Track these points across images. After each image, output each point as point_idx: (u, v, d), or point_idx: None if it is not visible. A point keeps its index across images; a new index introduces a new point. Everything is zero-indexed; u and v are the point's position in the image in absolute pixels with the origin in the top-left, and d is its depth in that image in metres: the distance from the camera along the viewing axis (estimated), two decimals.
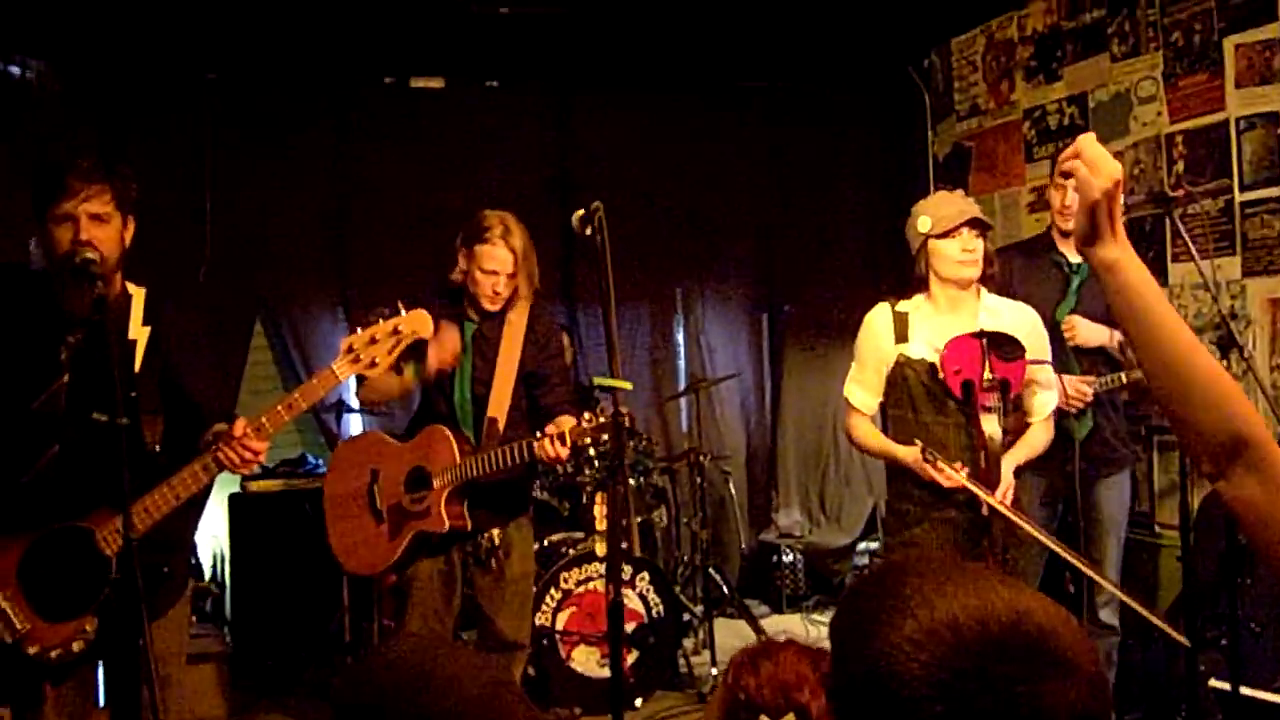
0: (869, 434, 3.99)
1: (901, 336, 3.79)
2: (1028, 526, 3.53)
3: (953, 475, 3.55)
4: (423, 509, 4.17)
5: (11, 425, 3.13)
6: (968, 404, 3.63)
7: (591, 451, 4.12)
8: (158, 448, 3.19)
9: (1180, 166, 5.34)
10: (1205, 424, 1.55)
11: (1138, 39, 5.58)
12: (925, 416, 3.71)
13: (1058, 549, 3.57)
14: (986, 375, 3.58)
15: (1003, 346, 3.63)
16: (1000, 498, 3.56)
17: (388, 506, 4.25)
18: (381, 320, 3.30)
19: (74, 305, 3.10)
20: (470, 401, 4.31)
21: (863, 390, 3.98)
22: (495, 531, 4.30)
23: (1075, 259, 4.57)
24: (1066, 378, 4.30)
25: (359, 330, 3.30)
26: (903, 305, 3.84)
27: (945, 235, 3.75)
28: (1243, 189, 5.04)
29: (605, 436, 3.88)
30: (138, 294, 3.29)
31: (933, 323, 3.78)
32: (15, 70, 6.16)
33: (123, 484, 2.82)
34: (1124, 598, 3.89)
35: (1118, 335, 4.37)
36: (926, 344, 3.74)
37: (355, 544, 4.34)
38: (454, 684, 1.42)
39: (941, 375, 3.64)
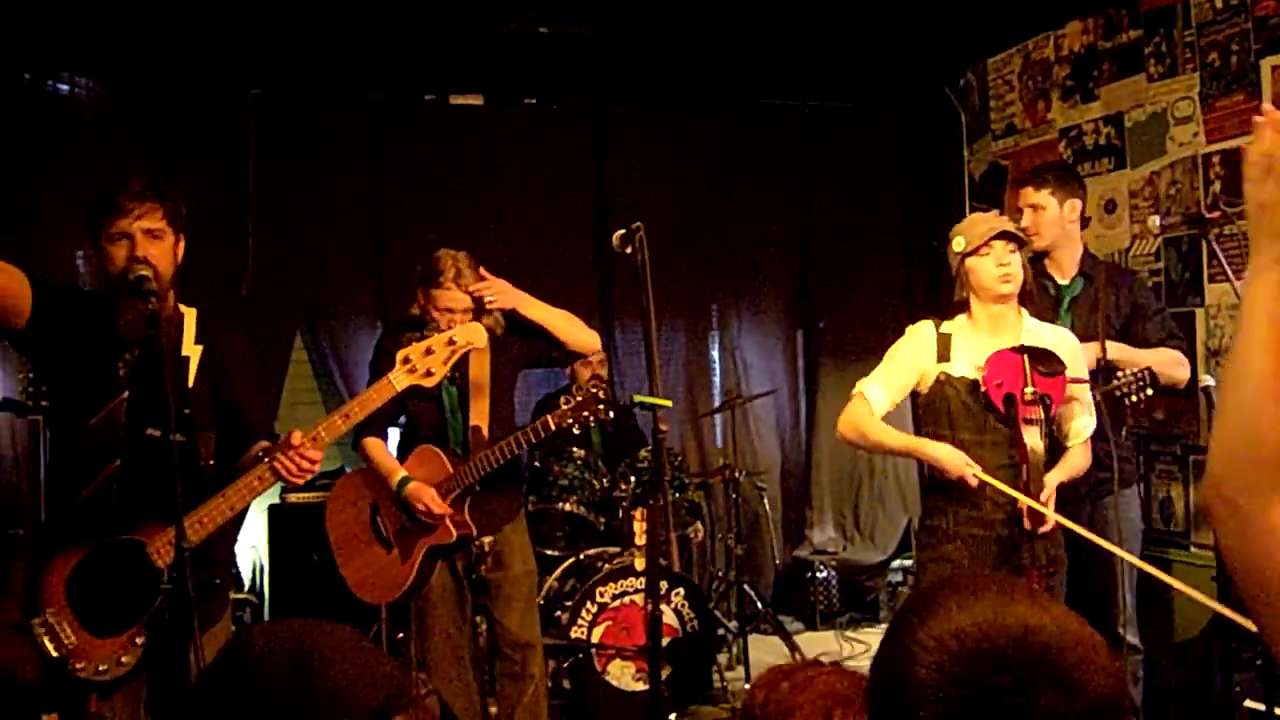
0: (885, 430, 3.92)
1: (944, 356, 3.81)
2: (1083, 531, 3.57)
3: (988, 478, 3.58)
4: (428, 525, 4.34)
5: (73, 442, 3.20)
6: (1010, 417, 3.64)
7: (576, 430, 4.29)
8: (211, 462, 3.26)
9: (1217, 187, 5.33)
10: None
11: (1174, 59, 5.58)
12: (964, 435, 3.73)
13: (1129, 558, 3.60)
14: (1028, 389, 3.60)
15: (1044, 361, 3.66)
16: (1042, 506, 3.58)
17: (394, 532, 4.44)
18: (437, 332, 3.39)
19: (129, 323, 3.18)
20: (457, 415, 4.48)
21: (882, 389, 3.94)
22: (487, 540, 4.42)
23: (1063, 279, 4.67)
24: None
25: (414, 342, 3.38)
26: (946, 326, 3.86)
27: (978, 252, 3.79)
28: None
29: (587, 413, 4.16)
30: (189, 314, 3.37)
31: (975, 343, 3.80)
32: (64, 87, 6.27)
33: (175, 498, 2.88)
34: (1197, 595, 3.88)
35: (1095, 352, 4.41)
36: (968, 363, 3.77)
37: (370, 576, 4.49)
38: (332, 664, 1.36)
39: (984, 389, 3.66)
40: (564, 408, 4.25)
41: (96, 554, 3.13)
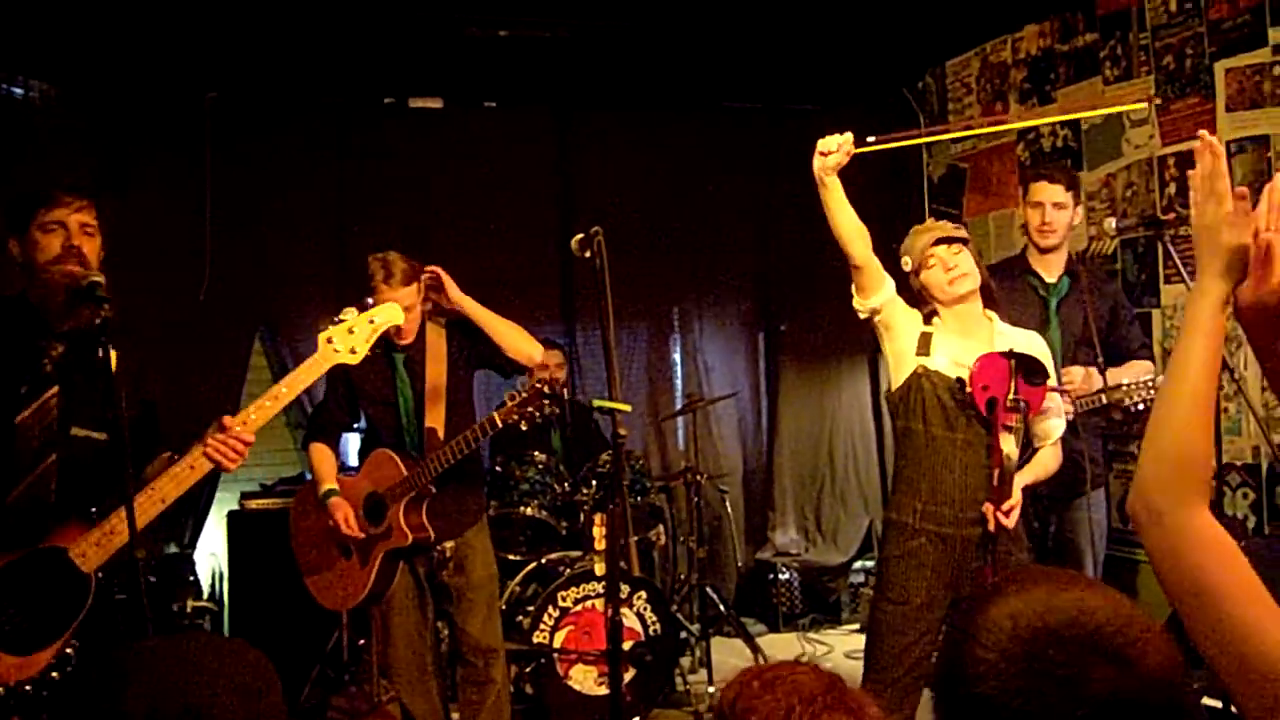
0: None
1: (924, 350, 3.81)
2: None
3: None
4: (384, 529, 4.39)
5: None
6: (989, 421, 3.66)
7: (524, 426, 4.32)
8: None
9: (1172, 189, 5.39)
10: None
11: (1130, 63, 5.64)
12: (935, 430, 3.74)
13: None
14: (1011, 395, 3.62)
15: (1030, 370, 3.67)
16: (1006, 512, 3.61)
17: (351, 538, 4.44)
18: (356, 312, 3.41)
19: (56, 316, 3.14)
20: (414, 419, 4.52)
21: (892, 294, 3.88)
22: (449, 544, 4.48)
23: (1050, 278, 4.67)
24: None
25: (332, 325, 3.39)
26: (926, 326, 3.87)
27: (924, 264, 3.83)
28: None
29: (532, 409, 4.22)
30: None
31: (951, 344, 3.81)
32: (18, 90, 6.20)
33: (98, 499, 2.89)
34: None
35: (1095, 378, 4.44)
36: (949, 359, 3.78)
37: (330, 582, 4.54)
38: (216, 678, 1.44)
39: (969, 389, 3.66)
40: (509, 404, 4.29)
41: (10, 568, 3.02)
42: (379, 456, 4.46)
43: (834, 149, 3.68)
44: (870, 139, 3.70)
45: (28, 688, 2.98)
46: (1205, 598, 1.51)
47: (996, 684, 1.30)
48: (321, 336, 3.38)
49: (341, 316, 3.44)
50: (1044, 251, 4.65)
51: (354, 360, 3.43)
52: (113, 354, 3.18)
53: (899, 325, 3.86)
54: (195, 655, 1.46)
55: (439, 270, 4.48)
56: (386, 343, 4.45)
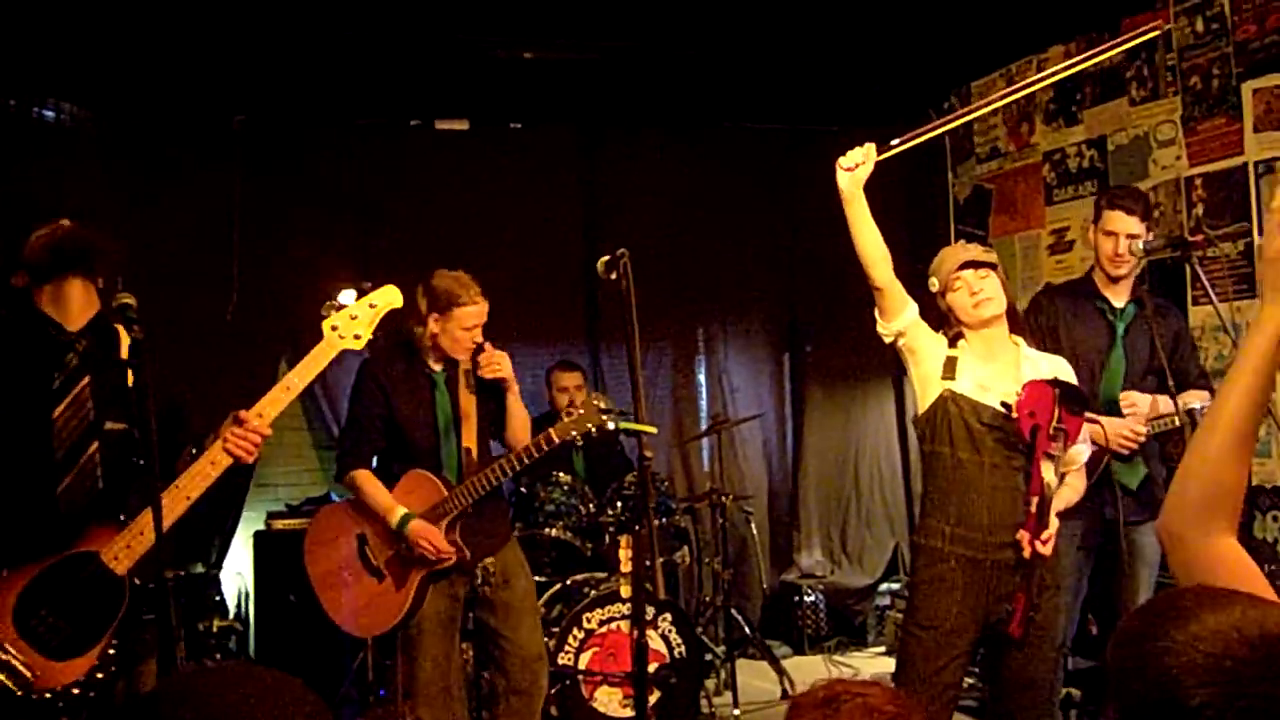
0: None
1: (949, 374, 3.79)
2: None
3: None
4: (420, 552, 4.34)
5: (36, 439, 3.14)
6: (1031, 449, 3.63)
7: (579, 441, 4.46)
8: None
9: (1199, 210, 5.36)
10: None
11: (1156, 83, 5.63)
12: (962, 453, 3.71)
13: None
14: (1054, 424, 3.59)
15: (1072, 399, 3.64)
16: (1044, 541, 3.58)
17: (385, 561, 4.41)
18: (356, 296, 3.45)
19: (69, 315, 3.20)
20: (453, 440, 4.51)
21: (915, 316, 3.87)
22: (489, 560, 4.47)
23: (1119, 303, 4.59)
24: (1114, 421, 4.34)
25: (334, 311, 3.41)
26: (951, 350, 3.85)
27: (950, 287, 3.81)
28: (1261, 232, 5.06)
29: (590, 425, 4.29)
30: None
31: (976, 367, 3.79)
32: (50, 113, 6.27)
33: (124, 499, 2.97)
34: None
35: (1161, 402, 4.41)
36: (974, 382, 3.76)
37: (361, 608, 4.44)
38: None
39: (1015, 415, 3.63)
40: (566, 420, 4.32)
41: (46, 575, 3.07)
42: (416, 477, 4.42)
43: (859, 161, 3.66)
44: (894, 142, 3.68)
45: (75, 690, 3.04)
46: None
47: (1221, 692, 1.25)
48: (326, 324, 3.42)
49: (341, 301, 3.47)
50: (1113, 280, 4.59)
51: (358, 345, 3.48)
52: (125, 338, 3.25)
53: (923, 349, 3.85)
54: (253, 689, 1.37)
55: (491, 355, 4.50)
56: (423, 360, 4.51)
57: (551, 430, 4.31)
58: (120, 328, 3.28)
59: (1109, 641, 1.41)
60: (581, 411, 4.30)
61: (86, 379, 3.18)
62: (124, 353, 3.25)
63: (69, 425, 3.15)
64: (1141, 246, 4.25)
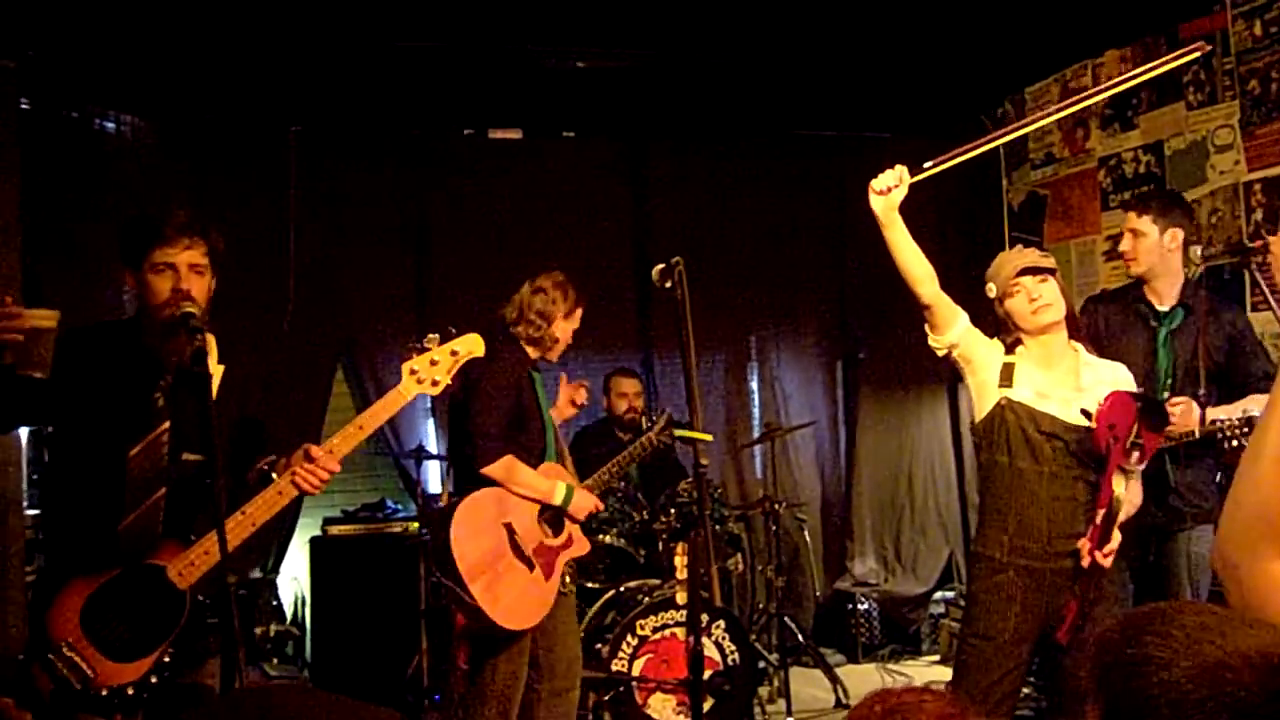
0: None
1: (1006, 381, 3.77)
2: None
3: None
4: (565, 540, 4.57)
5: (104, 472, 3.20)
6: (1104, 460, 3.60)
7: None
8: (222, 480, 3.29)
9: (1259, 215, 5.30)
10: None
11: (1214, 87, 5.57)
12: (1020, 462, 3.69)
13: None
14: (1132, 438, 3.55)
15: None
16: (1106, 555, 3.55)
17: (533, 550, 4.46)
18: (439, 344, 3.45)
19: (166, 352, 3.23)
20: (553, 434, 4.68)
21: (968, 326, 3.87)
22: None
23: (1162, 306, 4.51)
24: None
25: (416, 355, 3.44)
26: (1008, 356, 3.83)
27: (1009, 293, 3.79)
28: None
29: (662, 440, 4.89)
30: (210, 338, 3.39)
31: (1034, 374, 3.77)
32: (109, 124, 6.37)
33: (193, 519, 3.02)
34: None
35: (1195, 412, 4.34)
36: (1032, 390, 3.73)
37: (517, 598, 4.38)
38: None
39: (1094, 424, 3.60)
40: (661, 425, 4.95)
41: (114, 582, 3.15)
42: (550, 470, 4.57)
43: (891, 184, 3.63)
44: (926, 164, 3.65)
45: (130, 690, 3.12)
46: None
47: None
48: (405, 367, 3.42)
49: (425, 344, 3.48)
50: (1139, 279, 4.55)
51: (434, 391, 3.46)
52: (219, 369, 3.30)
53: (979, 357, 3.83)
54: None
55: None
56: (529, 357, 4.64)
57: (649, 435, 4.86)
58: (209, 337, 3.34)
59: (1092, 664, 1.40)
60: (663, 420, 4.89)
61: (166, 424, 3.23)
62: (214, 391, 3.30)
63: (141, 467, 3.20)
64: (1199, 253, 4.20)
